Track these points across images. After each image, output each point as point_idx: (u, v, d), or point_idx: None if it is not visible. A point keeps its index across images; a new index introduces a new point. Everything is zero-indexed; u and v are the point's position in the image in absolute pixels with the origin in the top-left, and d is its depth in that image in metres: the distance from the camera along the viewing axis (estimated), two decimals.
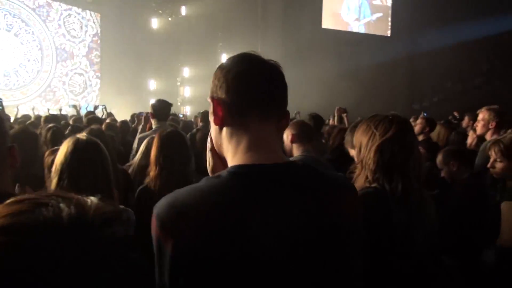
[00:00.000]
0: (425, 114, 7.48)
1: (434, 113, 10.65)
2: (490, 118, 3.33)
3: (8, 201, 0.52)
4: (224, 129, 0.91)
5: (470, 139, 3.83)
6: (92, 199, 0.53)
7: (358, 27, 18.31)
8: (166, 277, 0.78)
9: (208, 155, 0.98)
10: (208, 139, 0.98)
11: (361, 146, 1.44)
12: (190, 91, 18.90)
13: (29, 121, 5.51)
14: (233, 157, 0.89)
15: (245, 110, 0.89)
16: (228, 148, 0.90)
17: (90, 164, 1.64)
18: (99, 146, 1.71)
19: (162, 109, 3.87)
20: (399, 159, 1.37)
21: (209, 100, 0.93)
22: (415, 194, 1.39)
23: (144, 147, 2.95)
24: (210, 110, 0.93)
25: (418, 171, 1.41)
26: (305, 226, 0.83)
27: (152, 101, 4.50)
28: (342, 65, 16.50)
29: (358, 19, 18.19)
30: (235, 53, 0.95)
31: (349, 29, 18.17)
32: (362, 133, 1.46)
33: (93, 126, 3.14)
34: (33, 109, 9.06)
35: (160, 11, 17.45)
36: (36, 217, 0.48)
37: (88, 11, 17.27)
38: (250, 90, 0.89)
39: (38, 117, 6.83)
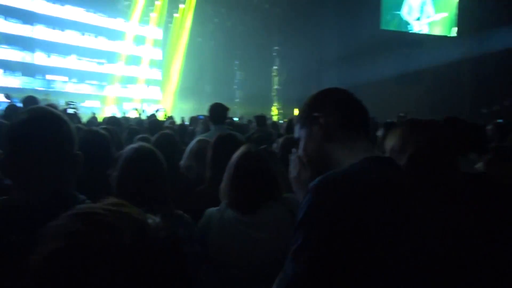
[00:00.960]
0: (500, 120, 7.03)
1: (506, 118, 9.89)
2: None
3: (68, 213, 0.56)
4: (337, 141, 1.07)
5: None
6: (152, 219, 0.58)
7: (420, 27, 17.54)
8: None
9: (298, 167, 1.12)
10: (301, 153, 1.13)
11: (392, 151, 1.37)
12: (244, 95, 19.17)
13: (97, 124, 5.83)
14: (350, 156, 1.03)
15: (356, 125, 1.09)
16: (344, 152, 1.05)
17: (147, 175, 1.67)
18: (156, 155, 1.75)
19: (218, 112, 3.94)
20: (432, 168, 1.29)
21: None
22: None
23: (189, 149, 3.04)
24: (307, 126, 1.11)
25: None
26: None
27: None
28: (402, 68, 15.87)
29: (420, 19, 17.43)
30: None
31: (410, 30, 17.46)
32: (395, 138, 1.37)
33: (165, 131, 3.30)
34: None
35: (216, 19, 17.90)
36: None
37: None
38: (359, 110, 1.12)
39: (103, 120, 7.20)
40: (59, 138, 1.11)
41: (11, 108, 4.58)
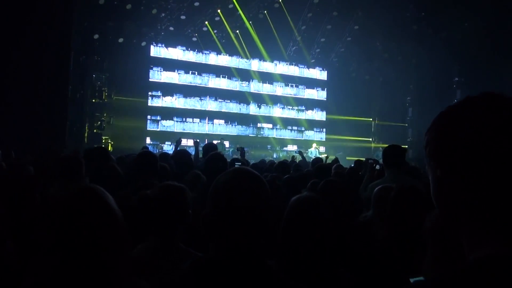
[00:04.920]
0: None
1: None
2: None
3: None
4: None
5: None
6: None
7: None
8: None
9: None
10: None
11: None
12: (418, 133, 18.04)
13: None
14: None
15: None
16: None
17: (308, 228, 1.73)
18: (322, 205, 1.80)
19: (394, 155, 3.68)
20: None
21: None
22: None
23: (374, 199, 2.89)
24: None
25: None
26: None
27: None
28: None
29: None
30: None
31: None
32: None
33: (332, 178, 3.33)
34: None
35: (386, 54, 17.67)
36: None
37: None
38: None
39: (271, 163, 7.57)
40: (261, 201, 1.19)
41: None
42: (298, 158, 10.15)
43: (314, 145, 17.07)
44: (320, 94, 20.03)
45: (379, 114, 19.77)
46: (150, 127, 16.20)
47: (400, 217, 2.14)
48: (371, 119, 20.04)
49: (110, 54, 14.65)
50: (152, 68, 16.17)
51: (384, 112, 19.31)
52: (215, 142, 10.83)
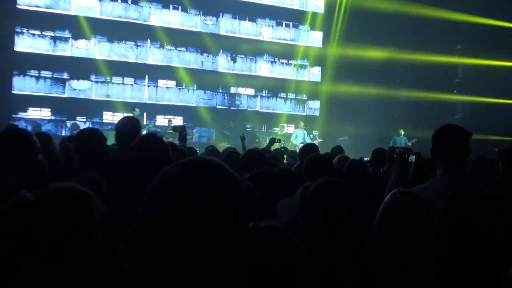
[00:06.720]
0: None
1: None
2: None
3: None
4: None
5: None
6: None
7: None
8: None
9: None
10: None
11: None
12: (472, 105, 18.41)
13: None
14: None
15: None
16: None
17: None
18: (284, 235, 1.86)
19: (453, 142, 3.60)
20: None
21: None
22: None
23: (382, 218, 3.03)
24: None
25: None
26: None
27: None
28: None
29: None
30: None
31: None
32: None
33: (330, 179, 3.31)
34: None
35: None
36: None
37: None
38: None
39: (231, 153, 7.49)
40: (236, 211, 1.25)
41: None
42: (275, 146, 10.18)
43: (302, 123, 16.81)
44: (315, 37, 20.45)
45: (408, 75, 19.80)
46: (31, 89, 16.13)
47: (459, 241, 2.13)
48: (396, 82, 20.09)
49: None
50: None
51: (417, 72, 19.30)
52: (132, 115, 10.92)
